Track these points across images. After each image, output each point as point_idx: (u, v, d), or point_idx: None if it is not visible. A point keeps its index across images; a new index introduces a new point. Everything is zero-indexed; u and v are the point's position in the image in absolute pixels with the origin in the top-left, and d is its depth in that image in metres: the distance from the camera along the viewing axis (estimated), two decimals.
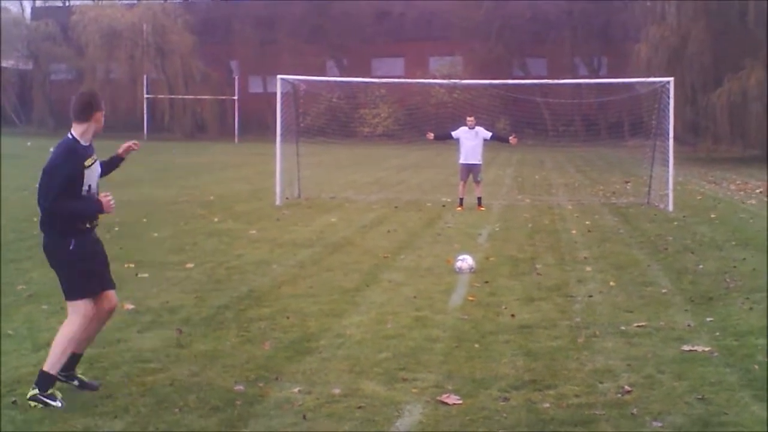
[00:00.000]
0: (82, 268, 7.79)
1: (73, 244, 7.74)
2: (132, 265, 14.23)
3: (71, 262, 7.76)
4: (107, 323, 8.42)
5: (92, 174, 7.83)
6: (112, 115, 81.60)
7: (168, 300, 11.63)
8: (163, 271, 13.84)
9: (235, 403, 7.52)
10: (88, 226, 7.88)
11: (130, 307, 11.13)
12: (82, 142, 7.77)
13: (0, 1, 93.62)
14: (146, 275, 13.47)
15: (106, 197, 7.76)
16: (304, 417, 7.23)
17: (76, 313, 7.78)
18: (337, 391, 7.87)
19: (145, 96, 79.15)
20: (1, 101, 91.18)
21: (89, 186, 7.76)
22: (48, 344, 9.15)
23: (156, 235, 18.13)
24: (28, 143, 57.93)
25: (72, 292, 7.81)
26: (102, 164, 8.16)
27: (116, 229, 18.83)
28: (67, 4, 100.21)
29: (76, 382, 8.02)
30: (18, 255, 15.01)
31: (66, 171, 7.58)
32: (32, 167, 36.30)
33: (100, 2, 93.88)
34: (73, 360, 8.02)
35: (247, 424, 7.10)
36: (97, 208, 7.78)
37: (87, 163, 7.73)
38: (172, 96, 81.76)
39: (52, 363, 7.67)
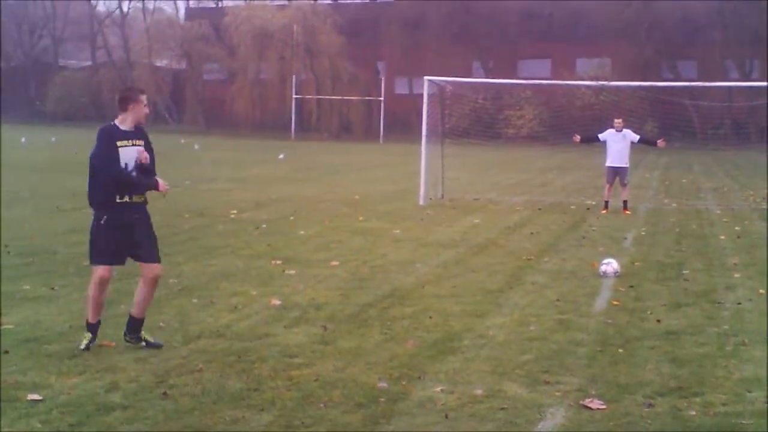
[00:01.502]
0: (104, 241, 9.11)
1: (105, 219, 9.08)
2: (279, 262, 14.52)
3: (98, 233, 9.14)
4: (156, 293, 9.75)
5: (127, 154, 9.00)
6: (261, 115, 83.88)
7: (314, 297, 11.82)
8: (309, 269, 14.06)
9: (379, 400, 7.60)
10: (122, 200, 9.05)
11: (278, 302, 11.36)
12: (121, 128, 9.07)
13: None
14: (293, 272, 13.70)
15: (162, 184, 9.20)
16: (446, 416, 7.27)
17: (92, 275, 9.27)
18: (479, 391, 7.88)
19: (294, 96, 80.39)
20: (155, 100, 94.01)
21: (125, 164, 9.00)
22: (198, 337, 9.49)
23: (302, 232, 18.42)
24: (181, 140, 59.33)
25: (91, 258, 9.29)
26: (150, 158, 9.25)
27: (264, 226, 19.25)
28: (219, 5, 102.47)
29: (143, 343, 9.21)
30: (170, 249, 15.40)
31: (103, 146, 9.00)
32: (182, 164, 37.53)
33: (252, 3, 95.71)
34: (136, 324, 9.29)
35: (390, 421, 7.17)
36: (153, 184, 9.17)
37: (119, 143, 8.98)
38: (320, 96, 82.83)
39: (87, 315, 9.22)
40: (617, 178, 23.19)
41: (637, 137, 23.54)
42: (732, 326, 10.41)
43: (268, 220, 20.42)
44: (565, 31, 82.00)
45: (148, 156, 9.09)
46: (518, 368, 8.62)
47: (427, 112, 26.13)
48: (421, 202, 24.55)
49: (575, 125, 42.54)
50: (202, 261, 14.60)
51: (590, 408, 7.49)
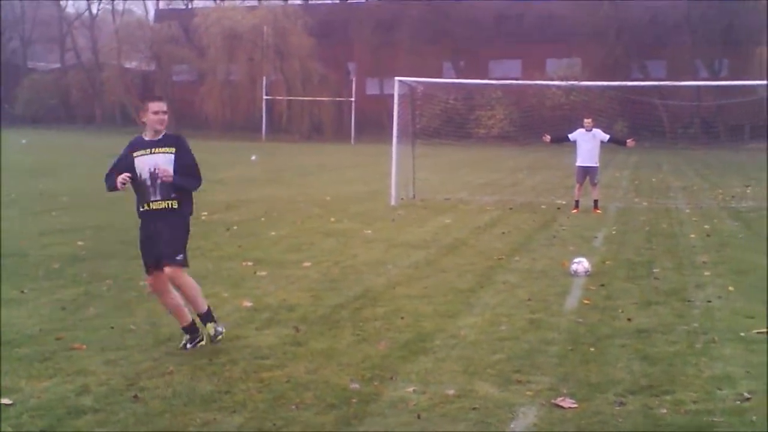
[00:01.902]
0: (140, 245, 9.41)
1: (139, 226, 9.32)
2: (250, 263, 14.50)
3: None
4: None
5: (143, 163, 9.07)
6: (231, 116, 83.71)
7: (285, 298, 11.81)
8: (281, 270, 14.04)
9: (351, 401, 7.59)
10: (140, 209, 9.20)
11: (249, 304, 11.34)
12: (146, 138, 9.25)
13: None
14: (264, 273, 13.69)
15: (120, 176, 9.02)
16: (419, 416, 7.27)
17: None
18: (451, 391, 7.89)
19: (264, 97, 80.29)
20: (123, 102, 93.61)
21: (139, 174, 9.06)
22: (169, 339, 9.45)
23: (274, 234, 18.40)
24: None
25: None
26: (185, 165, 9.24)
27: (235, 227, 19.20)
28: (189, 6, 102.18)
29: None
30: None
31: (121, 154, 9.25)
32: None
33: (222, 4, 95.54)
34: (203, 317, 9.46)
35: (362, 422, 7.15)
36: (110, 183, 9.11)
37: (135, 153, 9.12)
38: (290, 97, 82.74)
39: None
40: (587, 178, 23.27)
41: (606, 137, 23.60)
42: (702, 324, 10.46)
43: (239, 221, 20.38)
44: (535, 31, 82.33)
45: (166, 170, 8.98)
46: (490, 368, 8.63)
47: (398, 112, 26.14)
48: (393, 203, 24.58)
49: (545, 125, 42.68)
50: None
51: (562, 407, 7.51)
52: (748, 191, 29.68)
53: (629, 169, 42.04)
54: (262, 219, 20.93)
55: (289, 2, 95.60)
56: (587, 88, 54.23)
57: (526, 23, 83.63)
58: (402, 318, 10.67)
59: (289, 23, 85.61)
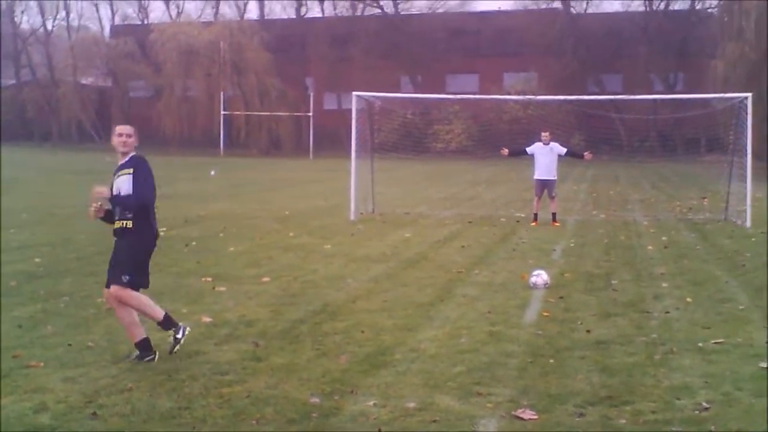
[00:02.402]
0: None
1: None
2: (209, 279, 14.43)
3: None
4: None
5: (117, 183, 9.46)
6: (189, 131, 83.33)
7: (244, 313, 11.75)
8: (240, 285, 13.98)
9: (311, 416, 7.56)
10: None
11: (208, 320, 11.27)
12: (119, 162, 9.63)
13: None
14: (223, 289, 13.63)
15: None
16: (379, 430, 7.24)
17: None
18: (411, 404, 7.88)
19: (222, 113, 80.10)
20: (80, 118, 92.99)
21: (118, 191, 9.38)
22: (128, 355, 9.37)
23: (232, 249, 18.32)
24: (105, 158, 58.68)
25: None
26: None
27: (193, 243, 19.10)
28: (145, 22, 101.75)
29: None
30: (98, 268, 15.21)
31: None
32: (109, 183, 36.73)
33: (177, 20, 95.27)
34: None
35: None
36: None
37: (114, 176, 9.52)
38: (248, 113, 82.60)
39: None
40: (545, 191, 23.38)
41: (564, 150, 23.76)
42: (660, 335, 10.53)
43: (197, 237, 20.28)
44: (492, 46, 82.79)
45: (101, 191, 9.44)
46: (450, 381, 8.63)
47: (356, 127, 26.11)
48: (352, 217, 24.54)
49: (503, 139, 42.89)
50: None
51: (522, 419, 7.52)
52: (705, 203, 29.95)
53: (587, 182, 42.32)
54: (221, 234, 20.84)
55: (246, 18, 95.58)
56: (544, 102, 54.54)
57: (482, 37, 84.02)
58: (362, 332, 10.65)
59: (245, 39, 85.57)
